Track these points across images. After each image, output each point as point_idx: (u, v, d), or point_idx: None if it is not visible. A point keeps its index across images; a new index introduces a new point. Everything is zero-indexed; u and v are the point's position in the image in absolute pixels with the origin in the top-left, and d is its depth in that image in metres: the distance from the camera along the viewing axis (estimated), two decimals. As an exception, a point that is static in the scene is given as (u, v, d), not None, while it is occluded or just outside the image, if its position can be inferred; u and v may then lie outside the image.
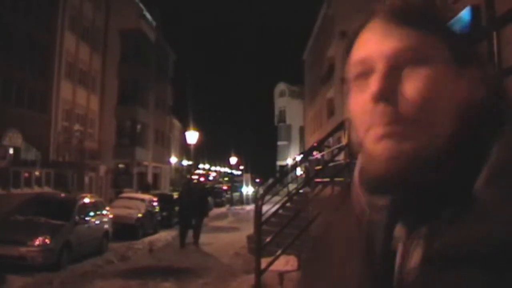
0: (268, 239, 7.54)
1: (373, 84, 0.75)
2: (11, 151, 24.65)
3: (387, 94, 0.73)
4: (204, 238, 19.16)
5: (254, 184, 62.10)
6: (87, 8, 36.89)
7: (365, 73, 0.77)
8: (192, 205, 16.94)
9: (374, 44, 0.77)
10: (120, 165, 41.37)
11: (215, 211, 37.27)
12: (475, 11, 13.07)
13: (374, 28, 0.79)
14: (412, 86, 0.74)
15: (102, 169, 33.75)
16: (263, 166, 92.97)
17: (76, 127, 35.19)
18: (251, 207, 33.31)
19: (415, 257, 0.73)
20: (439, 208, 0.72)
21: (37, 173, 24.11)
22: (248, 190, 52.67)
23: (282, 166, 66.43)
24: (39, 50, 29.16)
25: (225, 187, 53.47)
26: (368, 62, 0.77)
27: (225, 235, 20.97)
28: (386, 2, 0.80)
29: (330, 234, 0.91)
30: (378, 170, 0.75)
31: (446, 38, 0.77)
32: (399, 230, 0.77)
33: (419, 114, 0.73)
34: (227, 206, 43.69)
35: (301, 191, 11.50)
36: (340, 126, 8.75)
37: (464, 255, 0.66)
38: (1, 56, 24.68)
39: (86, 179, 30.15)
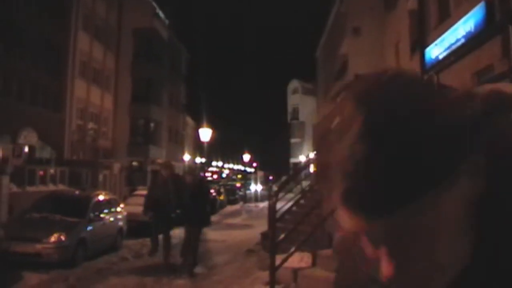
0: (282, 236, 7.54)
1: None
2: (26, 149, 24.89)
3: None
4: (217, 235, 19.19)
5: (266, 182, 62.10)
6: (100, 7, 37.04)
7: None
8: (186, 207, 11.86)
9: None
10: (134, 163, 41.54)
11: (229, 208, 37.35)
12: (489, 7, 12.96)
13: None
14: None
15: (116, 167, 33.88)
16: (276, 164, 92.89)
17: (90, 125, 35.40)
18: (264, 204, 33.32)
19: None
20: None
21: (52, 171, 24.27)
22: (257, 187, 52.54)
23: (295, 164, 66.34)
24: (53, 50, 29.34)
25: (238, 185, 53.50)
26: None
27: (239, 232, 20.98)
28: None
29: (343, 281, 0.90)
30: None
31: None
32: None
33: None
34: (241, 203, 43.71)
35: (314, 188, 11.47)
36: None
37: None
38: (16, 56, 24.86)
39: (100, 177, 30.27)
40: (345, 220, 0.68)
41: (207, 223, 12.53)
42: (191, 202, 11.41)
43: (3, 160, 21.63)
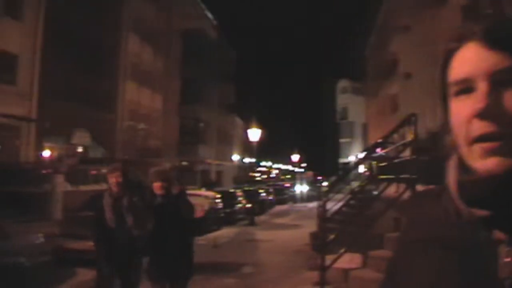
0: (332, 236, 7.46)
1: (478, 102, 0.79)
2: (80, 149, 25.55)
3: (492, 111, 0.77)
4: (266, 235, 19.20)
5: (314, 182, 61.69)
6: (150, 10, 37.66)
7: (466, 91, 0.82)
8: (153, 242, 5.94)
9: (474, 64, 0.82)
10: (184, 163, 42.05)
11: (277, 208, 37.33)
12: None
13: (472, 50, 0.84)
14: None
15: (166, 166, 34.34)
16: (325, 164, 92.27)
17: (141, 126, 36.03)
18: (313, 204, 33.15)
19: None
20: None
21: (104, 170, 24.79)
22: (302, 188, 52.22)
23: (344, 163, 65.79)
24: (104, 52, 30.01)
25: (287, 185, 53.40)
26: (469, 81, 0.82)
27: (287, 232, 20.93)
28: (479, 22, 0.87)
29: (416, 233, 0.90)
30: (483, 185, 0.78)
31: None
32: (499, 239, 0.78)
33: None
34: (290, 203, 43.62)
35: (365, 188, 11.31)
36: (405, 122, 8.53)
37: None
38: (70, 59, 25.52)
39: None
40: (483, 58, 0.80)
41: (189, 273, 5.99)
42: (164, 233, 5.69)
43: (57, 160, 22.26)
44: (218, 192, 24.83)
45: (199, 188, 32.53)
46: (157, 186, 5.84)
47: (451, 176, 0.87)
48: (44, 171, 19.19)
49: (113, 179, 6.21)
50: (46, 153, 24.71)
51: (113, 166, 6.52)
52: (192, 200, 21.32)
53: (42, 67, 24.59)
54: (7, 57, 22.96)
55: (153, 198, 5.92)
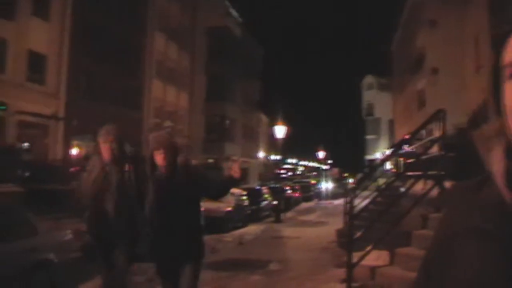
0: (359, 233, 7.41)
1: None
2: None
3: None
4: (292, 231, 19.16)
5: (340, 179, 61.35)
6: (175, 8, 37.90)
7: None
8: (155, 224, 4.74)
9: None
10: (209, 160, 42.22)
11: (303, 205, 37.26)
12: None
13: None
14: None
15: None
16: (351, 160, 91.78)
17: (167, 123, 36.29)
18: (339, 201, 32.99)
19: None
20: None
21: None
22: (327, 185, 51.95)
23: (370, 160, 65.34)
24: (131, 51, 30.30)
25: (313, 182, 53.22)
26: None
27: (313, 229, 20.86)
28: None
29: (458, 224, 0.88)
30: None
31: None
32: None
33: None
34: (315, 200, 43.49)
35: (392, 185, 11.21)
36: (433, 118, 8.42)
37: None
38: (96, 58, 25.81)
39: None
40: None
41: (201, 254, 5.09)
42: (166, 213, 4.69)
43: (85, 158, 22.53)
44: (244, 189, 24.86)
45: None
46: (158, 156, 4.57)
47: (497, 165, 0.84)
48: (72, 169, 19.47)
49: (106, 145, 4.99)
50: (74, 151, 25.05)
51: (106, 129, 5.18)
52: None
53: (69, 66, 24.94)
54: (36, 57, 23.37)
55: (154, 171, 4.66)
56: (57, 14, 24.57)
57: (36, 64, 23.34)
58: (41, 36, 23.66)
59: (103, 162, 5.05)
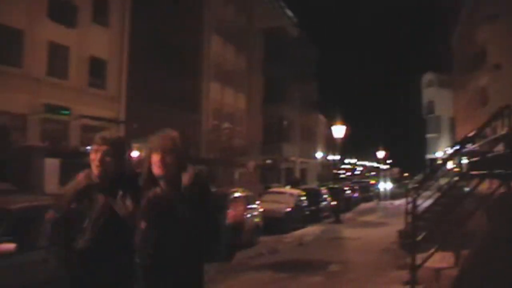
0: (423, 235, 7.25)
1: None
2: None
3: None
4: (352, 232, 18.98)
5: (398, 179, 60.13)
6: (231, 10, 38.18)
7: None
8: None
9: None
10: (268, 161, 42.33)
11: (363, 206, 36.85)
12: None
13: None
14: None
15: (251, 165, 34.70)
16: (411, 160, 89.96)
17: (225, 125, 36.62)
18: (399, 202, 32.42)
19: None
20: None
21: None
22: (386, 185, 50.99)
23: (431, 160, 63.83)
24: (188, 54, 30.76)
25: (372, 182, 52.51)
26: None
27: (374, 230, 20.60)
28: None
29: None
30: None
31: None
32: None
33: None
34: (376, 200, 42.90)
35: (456, 185, 10.91)
36: (497, 115, 8.15)
37: None
38: (155, 62, 26.32)
39: (236, 175, 31.15)
40: None
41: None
42: (161, 245, 3.01)
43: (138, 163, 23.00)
44: (303, 190, 24.81)
45: (284, 186, 32.71)
46: (155, 161, 3.18)
47: None
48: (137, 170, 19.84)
49: (98, 155, 3.27)
50: (135, 154, 25.62)
51: (102, 136, 3.41)
52: (277, 197, 20.72)
53: (129, 70, 25.56)
54: (97, 62, 24.06)
55: (150, 186, 3.16)
56: (116, 20, 25.22)
57: (97, 69, 24.04)
58: (101, 42, 24.35)
59: (89, 178, 3.29)
